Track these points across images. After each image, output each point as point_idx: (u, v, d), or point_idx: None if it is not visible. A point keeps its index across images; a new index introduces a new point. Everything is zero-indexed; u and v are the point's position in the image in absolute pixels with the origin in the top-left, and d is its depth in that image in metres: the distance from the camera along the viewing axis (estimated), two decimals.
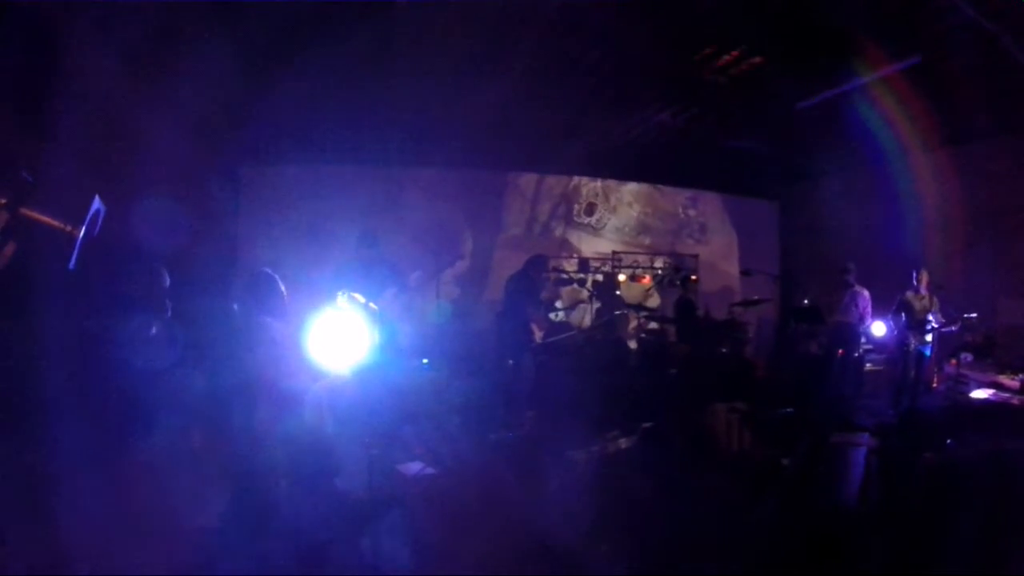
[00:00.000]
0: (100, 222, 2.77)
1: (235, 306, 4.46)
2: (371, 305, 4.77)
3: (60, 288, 3.37)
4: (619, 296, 10.05)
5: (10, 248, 2.42)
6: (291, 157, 9.04)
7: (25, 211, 2.46)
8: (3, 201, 2.39)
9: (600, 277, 10.39)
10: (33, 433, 3.74)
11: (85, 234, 2.68)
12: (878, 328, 8.77)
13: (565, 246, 11.08)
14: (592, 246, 11.27)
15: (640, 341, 9.76)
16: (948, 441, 5.70)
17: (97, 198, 2.72)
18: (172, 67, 6.26)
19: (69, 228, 2.60)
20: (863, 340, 8.99)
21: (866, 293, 9.05)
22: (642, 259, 11.11)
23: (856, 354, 8.91)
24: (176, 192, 6.84)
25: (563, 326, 8.91)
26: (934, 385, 8.41)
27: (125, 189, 5.44)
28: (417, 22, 6.42)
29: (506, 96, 8.10)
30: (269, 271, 4.43)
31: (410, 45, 6.86)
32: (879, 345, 8.98)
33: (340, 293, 4.84)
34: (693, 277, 9.99)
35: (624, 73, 7.86)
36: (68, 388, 3.90)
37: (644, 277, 10.50)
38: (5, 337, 4.01)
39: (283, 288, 4.39)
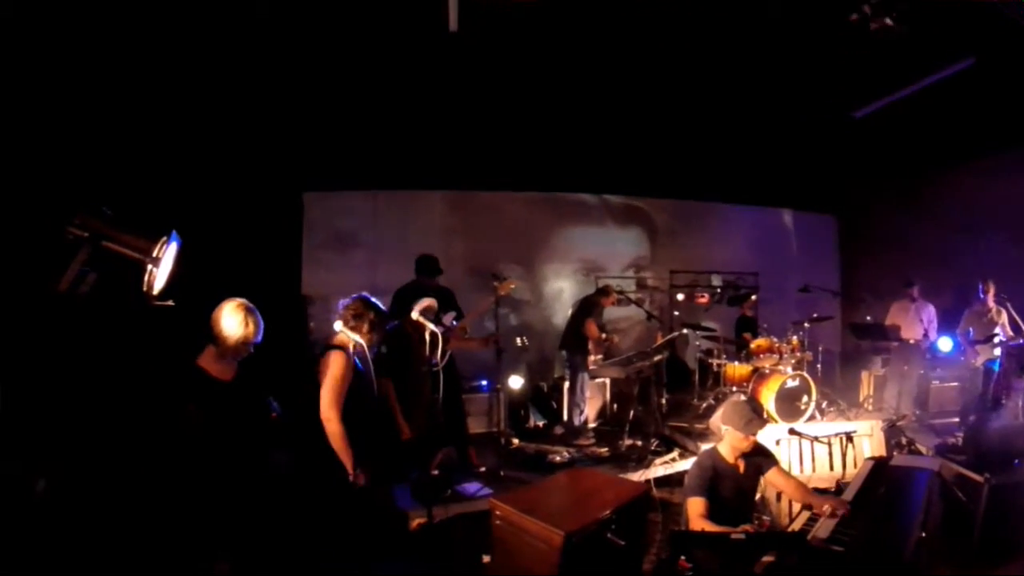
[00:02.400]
0: (176, 255, 2.85)
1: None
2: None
3: (141, 318, 3.63)
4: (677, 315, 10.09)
5: (92, 278, 2.52)
6: (352, 183, 9.20)
7: (106, 244, 2.57)
8: (86, 235, 2.50)
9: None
10: None
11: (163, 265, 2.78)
12: (944, 344, 8.55)
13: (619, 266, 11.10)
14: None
15: (698, 361, 9.72)
16: (1016, 462, 5.59)
17: (174, 232, 2.80)
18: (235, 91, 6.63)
19: (153, 261, 2.66)
20: (928, 356, 8.79)
21: (931, 308, 8.92)
22: (699, 277, 11.03)
23: (920, 372, 8.74)
24: (240, 219, 7.05)
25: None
26: (1004, 402, 8.13)
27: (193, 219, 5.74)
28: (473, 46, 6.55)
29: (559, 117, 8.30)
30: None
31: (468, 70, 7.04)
32: (946, 361, 8.73)
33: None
34: (752, 296, 9.85)
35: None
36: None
37: (703, 296, 10.42)
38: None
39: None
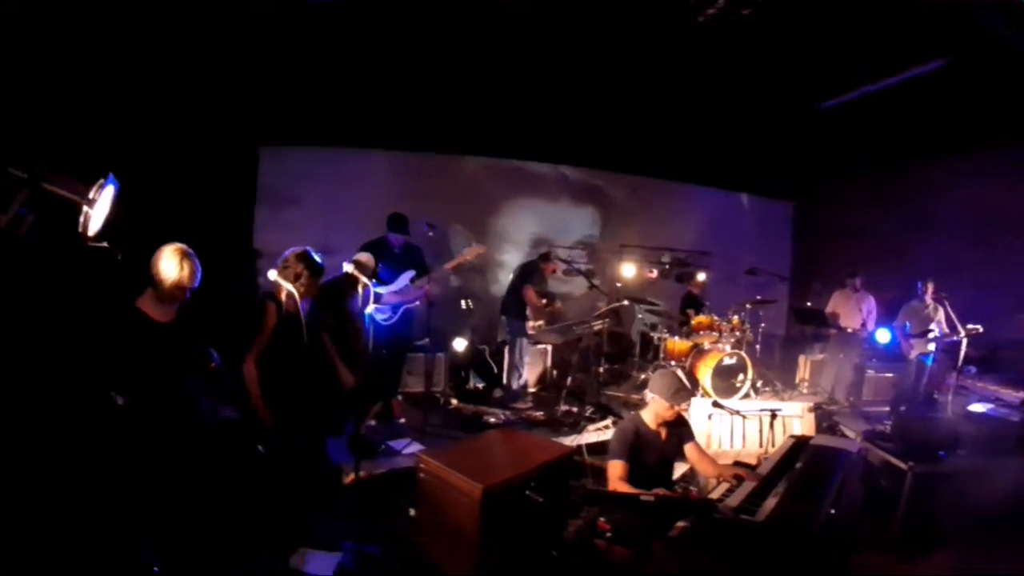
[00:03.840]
0: (113, 199, 2.88)
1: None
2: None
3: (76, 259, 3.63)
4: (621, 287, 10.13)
5: (30, 220, 2.55)
6: (311, 139, 9.00)
7: (45, 185, 2.58)
8: (25, 176, 2.51)
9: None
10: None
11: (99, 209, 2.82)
12: (882, 335, 8.68)
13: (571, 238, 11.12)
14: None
15: (640, 334, 9.76)
16: (942, 454, 5.71)
17: (111, 175, 2.82)
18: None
19: (88, 203, 2.69)
20: (866, 346, 8.95)
21: (871, 299, 9.08)
22: (650, 253, 11.04)
23: (856, 360, 8.88)
24: (196, 168, 7.04)
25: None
26: (935, 396, 8.33)
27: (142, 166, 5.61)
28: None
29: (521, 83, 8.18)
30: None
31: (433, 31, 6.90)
32: (884, 352, 8.88)
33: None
34: (700, 274, 9.87)
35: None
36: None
37: (651, 271, 10.43)
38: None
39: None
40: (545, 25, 6.74)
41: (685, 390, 4.57)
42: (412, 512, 4.36)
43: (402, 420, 7.06)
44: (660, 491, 4.01)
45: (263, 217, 8.86)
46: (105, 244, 2.89)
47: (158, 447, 3.90)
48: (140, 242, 3.80)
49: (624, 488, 4.22)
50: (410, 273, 6.91)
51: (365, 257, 5.83)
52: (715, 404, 5.79)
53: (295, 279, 4.29)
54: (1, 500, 3.66)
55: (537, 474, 4.17)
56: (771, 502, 3.81)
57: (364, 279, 4.83)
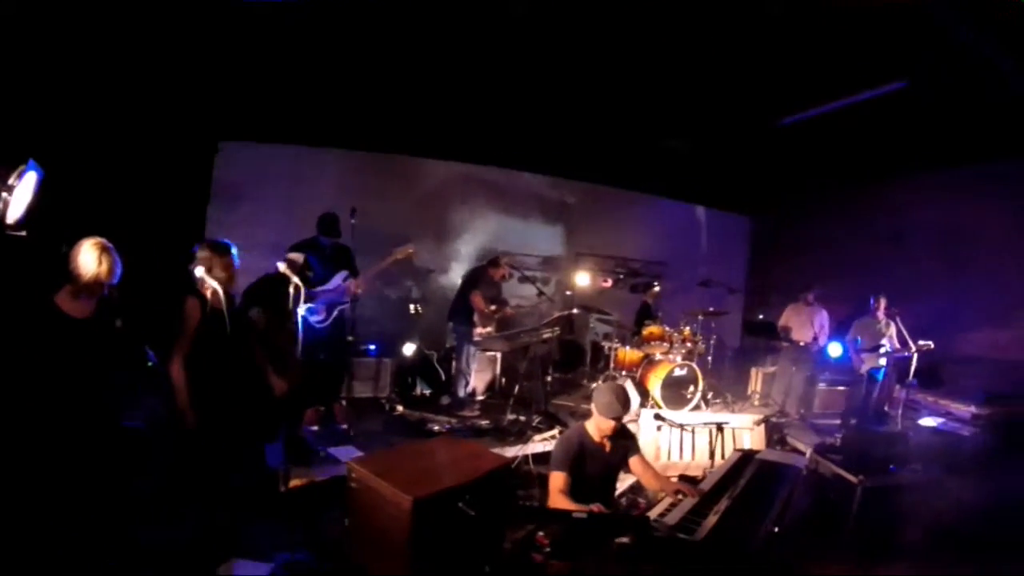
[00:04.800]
0: (36, 186, 2.85)
1: None
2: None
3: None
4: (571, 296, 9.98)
5: None
6: (271, 135, 8.81)
7: None
8: None
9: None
10: None
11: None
12: (834, 349, 8.68)
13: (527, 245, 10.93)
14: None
15: (591, 344, 9.63)
16: (891, 467, 5.66)
17: (32, 162, 2.78)
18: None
19: (6, 189, 2.69)
20: (817, 359, 8.93)
21: (824, 313, 9.08)
22: (605, 262, 10.92)
23: (808, 373, 8.83)
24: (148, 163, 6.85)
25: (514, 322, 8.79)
26: (886, 409, 8.32)
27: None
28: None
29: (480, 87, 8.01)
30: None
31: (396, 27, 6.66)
32: (835, 366, 8.85)
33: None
34: (655, 286, 9.76)
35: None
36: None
37: (606, 280, 10.29)
38: None
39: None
40: (509, 28, 6.56)
41: (619, 404, 4.48)
42: (347, 522, 4.17)
43: (344, 426, 6.84)
44: (596, 507, 3.87)
45: (217, 214, 8.54)
46: (23, 234, 2.83)
47: (66, 445, 3.78)
48: (78, 235, 3.76)
49: (563, 501, 4.11)
50: (343, 273, 6.72)
51: (295, 256, 5.64)
52: (657, 417, 5.67)
53: (210, 271, 4.11)
54: None
55: (473, 486, 3.99)
56: (711, 520, 3.68)
57: (296, 279, 4.64)
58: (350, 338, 7.08)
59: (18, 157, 2.72)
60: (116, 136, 6.46)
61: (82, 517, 3.85)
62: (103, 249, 3.75)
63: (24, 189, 2.72)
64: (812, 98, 7.83)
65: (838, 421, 8.36)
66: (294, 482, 4.99)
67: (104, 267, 3.73)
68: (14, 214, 2.70)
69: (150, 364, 4.30)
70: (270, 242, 5.03)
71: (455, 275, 9.86)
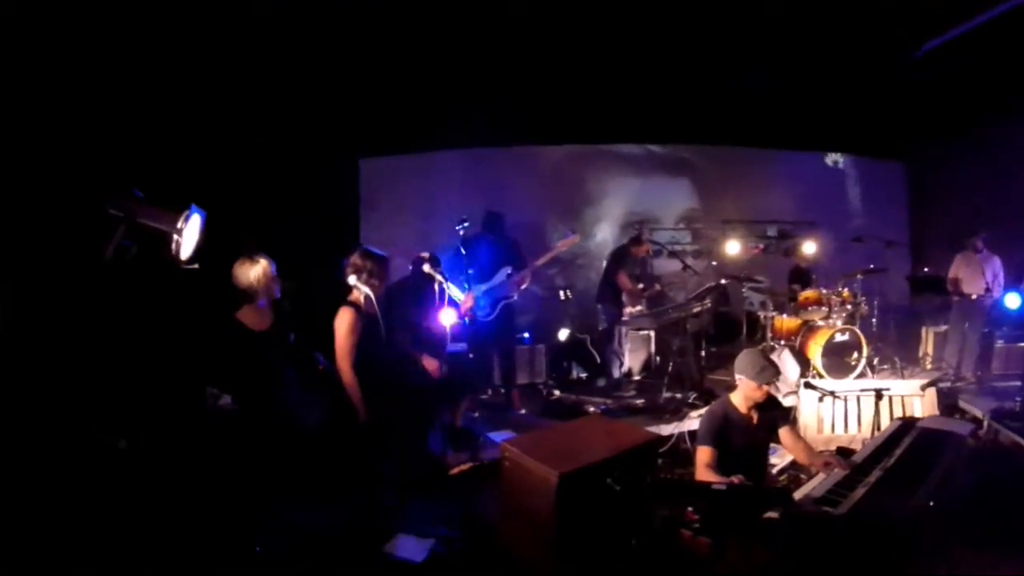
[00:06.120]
0: (202, 225, 3.18)
1: None
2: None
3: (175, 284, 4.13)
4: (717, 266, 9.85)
5: (132, 252, 2.96)
6: (405, 145, 9.35)
7: (140, 220, 2.96)
8: (121, 214, 2.91)
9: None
10: None
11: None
12: (1012, 300, 7.95)
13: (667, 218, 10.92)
14: None
15: (746, 314, 9.43)
16: None
17: (193, 206, 3.11)
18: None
19: (177, 232, 3.01)
20: (993, 313, 8.27)
21: (997, 261, 8.33)
22: (753, 227, 10.64)
23: (984, 330, 8.22)
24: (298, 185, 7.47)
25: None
26: None
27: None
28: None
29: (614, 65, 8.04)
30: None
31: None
32: (1015, 319, 8.18)
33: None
34: (803, 246, 9.37)
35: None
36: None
37: (756, 247, 10.01)
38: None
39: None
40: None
41: (772, 367, 4.46)
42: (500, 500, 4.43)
43: (523, 411, 7.37)
44: (737, 478, 3.88)
45: (368, 223, 9.23)
46: (196, 266, 3.17)
47: (264, 447, 4.30)
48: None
49: (709, 475, 4.15)
50: (507, 269, 7.05)
51: (424, 255, 5.96)
52: (807, 385, 5.55)
53: (369, 277, 4.42)
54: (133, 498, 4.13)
55: (619, 461, 4.09)
56: (858, 492, 3.61)
57: (439, 277, 4.96)
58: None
59: (182, 201, 3.09)
60: (269, 170, 7.12)
61: (262, 508, 4.39)
62: (249, 256, 4.32)
63: (191, 230, 3.08)
64: (945, 21, 7.25)
65: (1020, 383, 7.52)
66: (456, 468, 5.35)
67: (263, 264, 4.32)
68: (186, 252, 3.06)
69: (320, 368, 4.69)
70: (407, 245, 5.41)
71: (596, 259, 10.02)
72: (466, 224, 6.55)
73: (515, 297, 7.14)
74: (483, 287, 6.90)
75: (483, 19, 6.64)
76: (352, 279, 4.41)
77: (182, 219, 3.01)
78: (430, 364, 5.17)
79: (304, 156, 7.71)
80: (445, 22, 6.65)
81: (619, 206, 10.52)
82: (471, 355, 6.30)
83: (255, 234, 4.45)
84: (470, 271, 5.89)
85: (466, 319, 5.87)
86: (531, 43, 7.30)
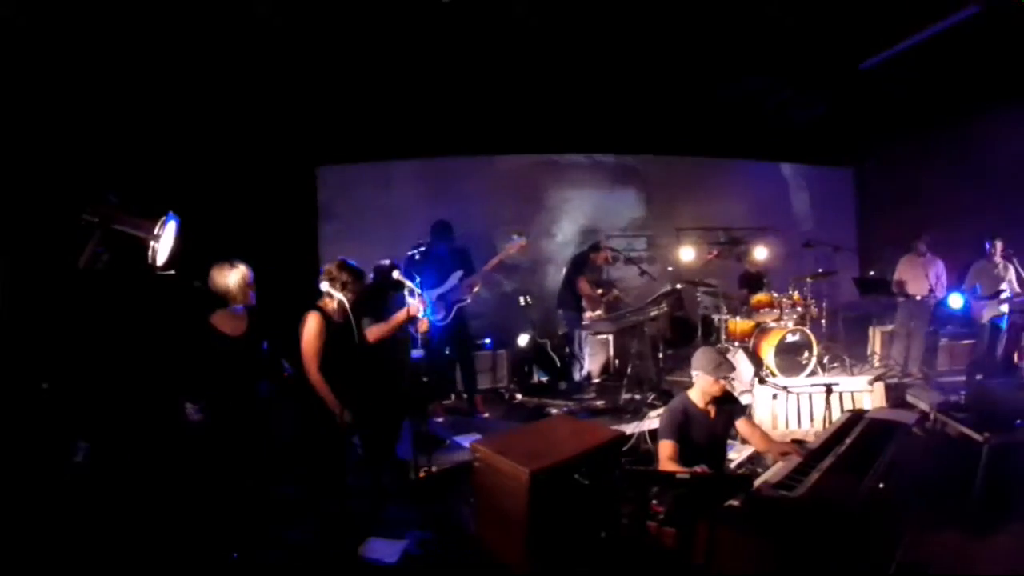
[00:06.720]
0: (176, 232, 3.22)
1: None
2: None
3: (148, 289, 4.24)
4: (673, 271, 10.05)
5: (106, 257, 2.95)
6: (364, 154, 9.43)
7: (116, 227, 2.96)
8: (96, 220, 2.90)
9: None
10: None
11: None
12: (955, 300, 8.33)
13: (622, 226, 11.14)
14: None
15: (701, 317, 9.65)
16: (1018, 423, 5.48)
17: (171, 212, 3.16)
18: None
19: (153, 238, 3.05)
20: (937, 313, 8.64)
21: (940, 263, 8.72)
22: (708, 234, 10.90)
23: (928, 329, 8.56)
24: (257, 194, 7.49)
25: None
26: (1016, 361, 7.95)
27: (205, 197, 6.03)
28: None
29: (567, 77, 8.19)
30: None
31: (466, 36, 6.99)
32: (958, 318, 8.55)
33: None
34: (757, 252, 9.64)
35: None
36: None
37: (711, 252, 10.23)
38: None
39: None
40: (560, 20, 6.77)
41: (727, 363, 4.67)
42: (472, 500, 4.60)
43: (486, 415, 7.48)
44: (700, 468, 4.04)
45: (325, 233, 9.35)
46: (172, 272, 3.23)
47: (237, 450, 4.38)
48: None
49: (673, 467, 4.27)
50: (459, 273, 7.15)
51: (383, 263, 6.06)
52: (761, 380, 5.75)
53: (343, 288, 4.52)
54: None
55: (587, 458, 4.24)
56: (813, 477, 3.79)
57: (410, 283, 5.06)
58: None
59: (159, 209, 3.14)
60: (232, 181, 7.17)
61: (232, 516, 4.40)
62: (230, 262, 4.39)
63: (167, 237, 3.12)
64: (888, 37, 7.56)
65: (964, 378, 7.99)
66: (424, 470, 5.35)
67: (241, 271, 4.38)
68: (162, 258, 3.11)
69: (287, 375, 4.76)
70: (367, 254, 5.51)
71: (552, 265, 10.25)
72: (422, 248, 6.85)
73: (468, 300, 7.26)
74: (436, 292, 7.01)
75: (440, 32, 6.77)
76: (325, 285, 4.52)
77: (159, 225, 3.06)
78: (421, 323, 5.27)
79: (260, 164, 7.74)
80: (402, 33, 6.77)
81: (575, 214, 10.69)
82: (428, 360, 6.37)
83: (209, 242, 4.43)
84: (418, 279, 5.99)
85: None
86: (487, 56, 7.47)
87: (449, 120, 8.96)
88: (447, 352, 7.38)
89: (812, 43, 7.64)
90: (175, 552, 4.13)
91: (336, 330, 4.55)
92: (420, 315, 5.20)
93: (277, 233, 7.55)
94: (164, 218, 3.09)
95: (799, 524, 3.26)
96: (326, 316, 4.53)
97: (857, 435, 4.60)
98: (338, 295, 4.49)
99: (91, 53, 5.36)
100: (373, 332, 5.21)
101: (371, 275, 5.67)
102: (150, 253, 3.05)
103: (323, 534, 4.62)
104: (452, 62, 7.53)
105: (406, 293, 5.23)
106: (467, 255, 7.40)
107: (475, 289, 7.23)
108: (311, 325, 4.46)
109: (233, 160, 7.27)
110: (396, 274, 5.29)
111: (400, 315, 5.22)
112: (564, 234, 10.65)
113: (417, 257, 6.90)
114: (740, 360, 7.85)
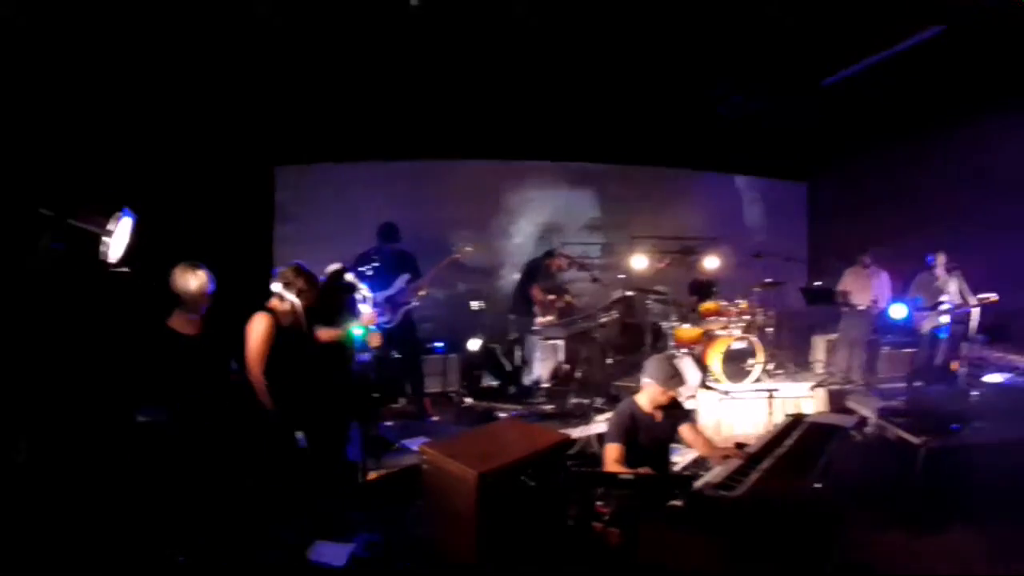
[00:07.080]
0: (132, 228, 3.18)
1: None
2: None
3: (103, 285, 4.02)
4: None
5: (58, 252, 2.91)
6: (322, 155, 9.37)
7: (70, 221, 2.91)
8: (51, 214, 2.86)
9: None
10: None
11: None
12: (897, 311, 8.51)
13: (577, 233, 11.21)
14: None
15: (651, 324, 9.72)
16: (953, 427, 5.65)
17: (126, 208, 3.11)
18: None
19: (107, 233, 2.99)
20: (879, 322, 8.86)
21: (884, 275, 8.96)
22: (662, 243, 10.99)
23: (870, 337, 8.77)
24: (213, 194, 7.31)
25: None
26: (953, 368, 8.18)
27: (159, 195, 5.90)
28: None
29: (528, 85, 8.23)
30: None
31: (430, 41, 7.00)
32: (900, 328, 8.76)
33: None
34: (707, 261, 9.76)
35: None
36: None
37: (663, 261, 10.31)
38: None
39: None
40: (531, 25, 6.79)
41: (679, 377, 4.76)
42: (420, 502, 4.54)
43: (435, 417, 7.52)
44: (644, 470, 4.09)
45: (280, 233, 9.18)
46: (126, 270, 3.20)
47: (196, 451, 4.32)
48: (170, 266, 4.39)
49: (618, 469, 4.33)
50: (405, 276, 7.25)
51: (335, 266, 6.02)
52: (704, 386, 5.84)
53: (298, 293, 4.53)
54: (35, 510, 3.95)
55: (534, 460, 4.25)
56: (752, 477, 3.85)
57: (362, 286, 5.06)
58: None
59: (114, 205, 3.08)
60: (186, 178, 6.92)
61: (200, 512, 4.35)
62: (194, 265, 4.39)
63: (122, 232, 3.07)
64: (851, 55, 7.78)
65: (904, 384, 8.27)
66: (372, 473, 5.36)
67: (203, 277, 4.39)
68: (115, 254, 3.05)
69: (234, 376, 4.71)
70: (321, 256, 5.47)
71: (508, 269, 10.27)
72: (375, 264, 6.85)
73: (415, 303, 7.31)
74: (383, 295, 7.02)
75: (404, 37, 6.79)
76: (278, 287, 4.52)
77: (113, 220, 3.01)
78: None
79: (218, 161, 7.54)
80: (367, 36, 6.79)
81: (531, 220, 10.68)
82: (376, 363, 6.35)
83: (163, 239, 4.36)
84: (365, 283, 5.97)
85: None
86: (452, 62, 7.52)
87: (410, 124, 8.96)
88: (394, 354, 7.35)
89: (776, 59, 7.80)
90: (118, 553, 4.02)
91: (284, 332, 4.54)
92: (373, 327, 5.21)
93: (232, 231, 7.37)
94: (119, 213, 3.04)
95: (739, 523, 3.30)
96: (275, 317, 4.52)
97: (797, 438, 4.70)
98: (291, 298, 4.49)
99: (41, 47, 5.21)
100: (322, 335, 5.15)
101: (322, 278, 5.63)
102: (102, 248, 3.00)
103: (270, 538, 4.54)
104: (418, 65, 7.57)
105: (357, 297, 5.22)
106: (413, 259, 7.47)
107: (422, 293, 7.25)
108: (259, 326, 4.45)
109: (190, 156, 7.07)
110: (349, 276, 5.28)
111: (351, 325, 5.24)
112: (522, 235, 10.65)
113: (370, 273, 6.83)
114: (687, 366, 7.90)
